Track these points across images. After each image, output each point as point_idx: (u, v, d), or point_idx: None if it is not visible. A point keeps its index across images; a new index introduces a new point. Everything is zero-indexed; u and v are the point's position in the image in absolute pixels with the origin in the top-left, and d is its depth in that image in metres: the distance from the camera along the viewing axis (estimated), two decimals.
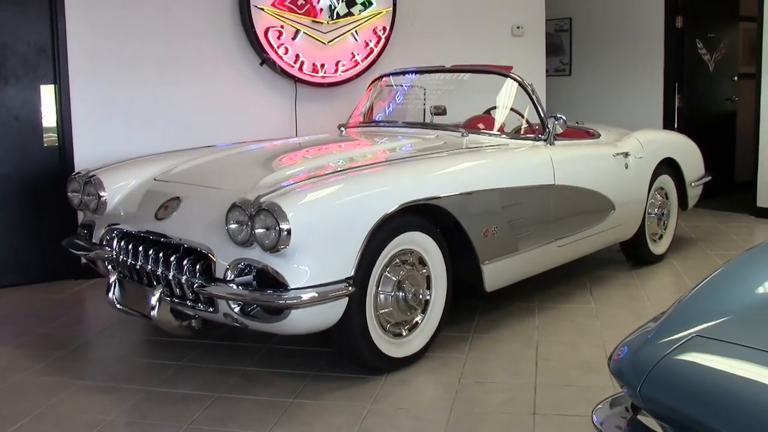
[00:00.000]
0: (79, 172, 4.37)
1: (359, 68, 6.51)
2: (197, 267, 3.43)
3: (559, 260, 4.71)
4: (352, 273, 3.34)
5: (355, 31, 6.47)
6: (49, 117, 5.45)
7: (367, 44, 6.54)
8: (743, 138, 8.69)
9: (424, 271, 3.80)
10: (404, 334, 3.73)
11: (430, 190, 3.72)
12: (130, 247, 3.75)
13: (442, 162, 4.05)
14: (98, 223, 4.12)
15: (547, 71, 8.14)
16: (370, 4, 6.51)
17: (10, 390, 3.59)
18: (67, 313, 4.80)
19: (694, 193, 6.04)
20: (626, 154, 5.17)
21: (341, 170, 3.74)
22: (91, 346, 4.28)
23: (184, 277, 3.45)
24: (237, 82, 6.13)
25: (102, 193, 4.11)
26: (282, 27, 6.10)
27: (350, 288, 3.32)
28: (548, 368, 3.73)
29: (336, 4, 6.33)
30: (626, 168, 5.13)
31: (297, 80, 6.27)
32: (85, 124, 5.52)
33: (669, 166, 5.70)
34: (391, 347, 3.65)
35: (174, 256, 3.53)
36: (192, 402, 3.40)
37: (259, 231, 3.22)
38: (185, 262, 3.47)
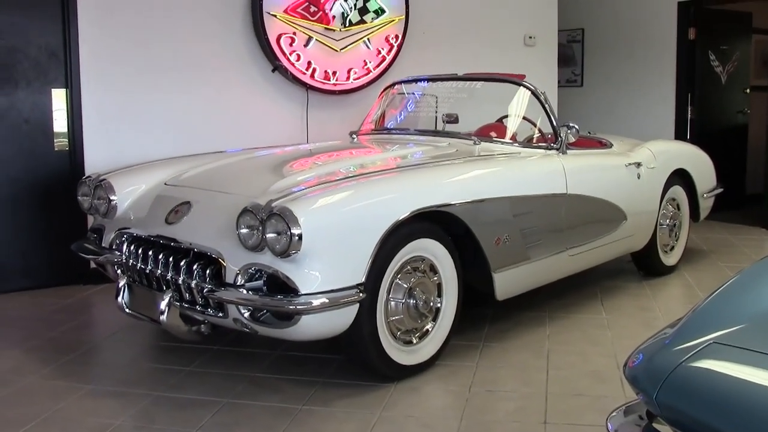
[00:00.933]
0: (89, 176, 4.37)
1: (371, 76, 6.51)
2: (207, 272, 3.42)
3: (570, 269, 4.68)
4: (363, 279, 3.32)
5: (368, 39, 6.47)
6: (60, 121, 5.46)
7: (380, 52, 6.54)
8: (754, 151, 8.66)
9: (435, 278, 3.78)
10: (414, 341, 3.70)
11: (442, 197, 3.70)
12: (139, 251, 3.74)
13: (455, 169, 4.04)
14: (108, 227, 4.11)
15: (558, 82, 8.14)
16: (383, 11, 6.51)
17: (18, 394, 3.57)
18: (76, 318, 4.79)
19: (705, 205, 6.01)
20: (638, 164, 5.14)
21: (353, 176, 3.73)
22: (99, 350, 4.27)
23: (194, 282, 3.44)
24: (248, 88, 6.14)
25: (112, 197, 4.11)
26: (294, 34, 6.11)
27: (361, 294, 3.30)
28: (559, 378, 3.70)
29: (348, 12, 6.33)
30: (638, 178, 5.11)
31: (309, 87, 6.27)
32: (95, 129, 5.53)
33: (681, 177, 5.68)
34: (401, 355, 3.62)
35: (184, 260, 3.51)
36: (200, 407, 3.38)
37: (270, 236, 3.20)
38: (195, 266, 3.46)
